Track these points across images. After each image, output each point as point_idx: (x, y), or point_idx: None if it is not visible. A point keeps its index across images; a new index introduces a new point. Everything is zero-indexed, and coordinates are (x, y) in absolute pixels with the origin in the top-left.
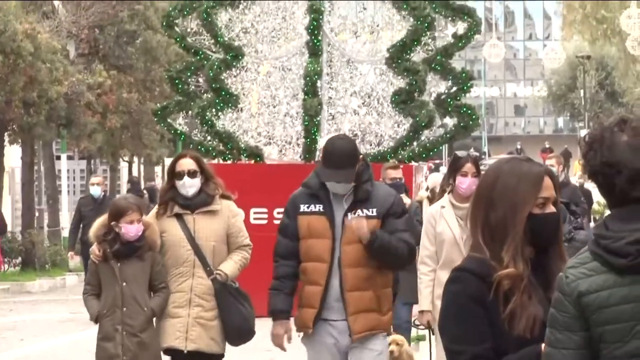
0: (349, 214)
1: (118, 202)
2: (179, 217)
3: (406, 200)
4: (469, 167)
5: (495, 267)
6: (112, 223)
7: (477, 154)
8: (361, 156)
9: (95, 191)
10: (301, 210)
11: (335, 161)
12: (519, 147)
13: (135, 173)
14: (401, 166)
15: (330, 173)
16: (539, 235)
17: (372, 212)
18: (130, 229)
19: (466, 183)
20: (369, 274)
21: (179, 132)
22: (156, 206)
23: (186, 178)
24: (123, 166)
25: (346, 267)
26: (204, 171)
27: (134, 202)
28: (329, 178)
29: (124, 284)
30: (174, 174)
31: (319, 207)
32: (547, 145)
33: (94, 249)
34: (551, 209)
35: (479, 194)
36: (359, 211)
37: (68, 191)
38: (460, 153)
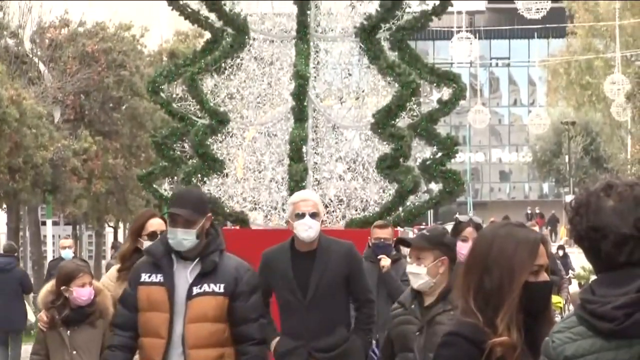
0: (194, 287)
1: (67, 266)
2: None
3: (385, 262)
4: (469, 231)
5: (488, 334)
6: (62, 288)
7: (480, 220)
8: (211, 217)
9: (67, 254)
10: (142, 280)
11: (178, 201)
12: (529, 211)
13: (120, 239)
14: (390, 226)
15: (171, 216)
16: (533, 302)
17: (219, 289)
18: (82, 293)
19: (466, 249)
20: (218, 356)
21: (164, 197)
22: (114, 268)
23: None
24: (108, 231)
25: (191, 347)
26: None
27: (84, 265)
28: (171, 224)
29: (74, 352)
30: (141, 234)
31: (159, 278)
32: (529, 211)
33: (42, 316)
34: (544, 277)
35: (472, 258)
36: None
37: (53, 257)
38: (462, 217)
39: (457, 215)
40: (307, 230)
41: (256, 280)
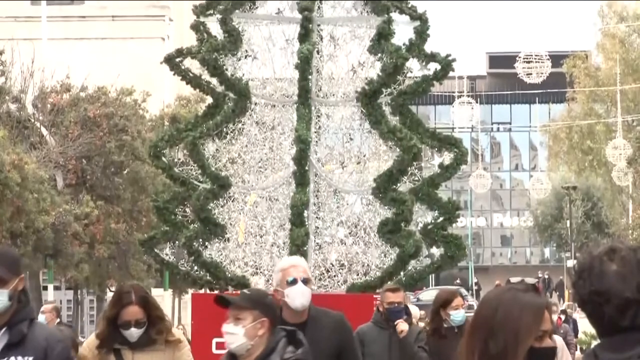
0: None
1: None
2: (116, 352)
3: (404, 327)
4: None
5: None
6: None
7: (535, 281)
8: (23, 278)
9: (42, 318)
10: None
11: None
12: (540, 275)
13: None
14: (402, 289)
15: None
16: None
17: None
18: None
19: None
20: None
21: (165, 262)
22: (93, 334)
23: (133, 329)
24: (110, 296)
25: None
26: (150, 316)
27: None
28: None
29: None
30: (117, 321)
31: None
32: (541, 276)
33: None
34: (549, 342)
35: (477, 323)
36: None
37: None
38: (514, 279)
39: (509, 278)
40: (300, 297)
41: (68, 353)
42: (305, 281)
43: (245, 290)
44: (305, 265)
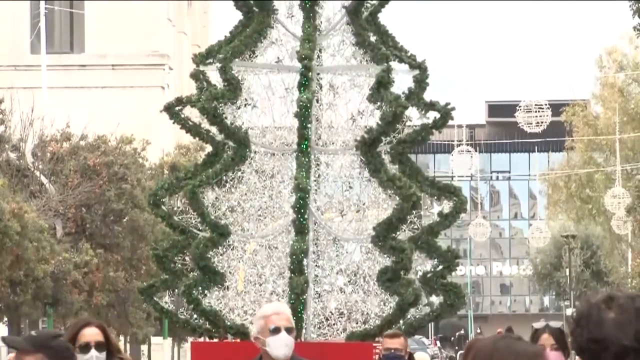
0: None
1: None
2: None
3: None
4: (545, 338)
5: None
6: None
7: (560, 324)
8: None
9: None
10: None
11: None
12: (544, 323)
13: None
14: (402, 335)
15: None
16: None
17: None
18: None
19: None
20: None
21: (165, 310)
22: None
23: (93, 351)
24: None
25: None
26: (110, 343)
27: None
28: None
29: None
30: (74, 346)
31: None
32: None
33: None
34: None
35: None
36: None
37: None
38: (537, 324)
39: (533, 324)
40: (283, 347)
41: None
42: (289, 330)
43: (32, 332)
44: (289, 313)
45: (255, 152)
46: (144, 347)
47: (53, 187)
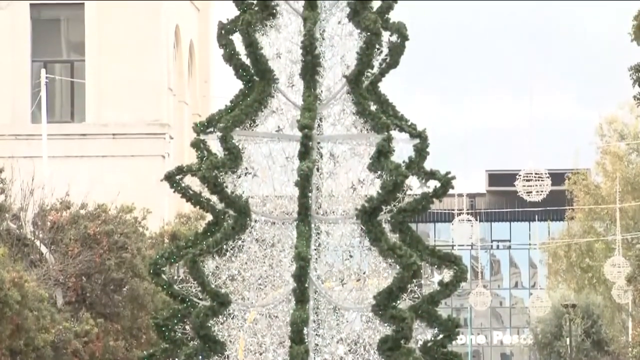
0: None
1: None
2: None
3: None
4: None
5: None
6: None
7: None
8: None
9: None
10: None
11: None
12: None
13: None
14: None
15: None
16: None
17: None
18: None
19: None
20: None
21: None
22: None
23: None
24: None
25: None
26: None
27: None
28: None
29: None
30: None
31: None
32: None
33: None
34: None
35: None
36: None
37: None
38: None
39: None
40: None
41: None
42: None
43: None
44: None
45: (255, 220)
46: None
47: (53, 256)
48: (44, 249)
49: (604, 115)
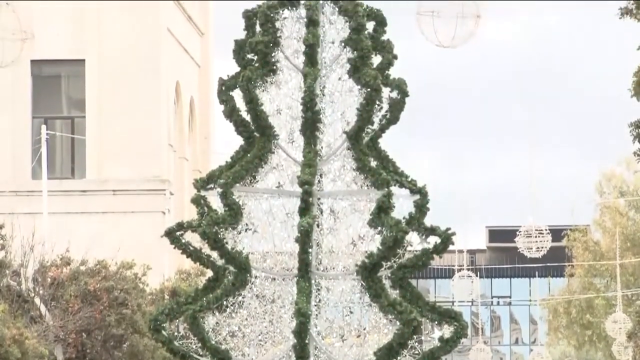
0: None
1: None
2: None
3: None
4: None
5: None
6: None
7: None
8: None
9: None
10: None
11: None
12: None
13: None
14: None
15: None
16: None
17: None
18: None
19: None
20: None
21: None
22: None
23: None
24: None
25: None
26: None
27: None
28: None
29: None
30: None
31: None
32: None
33: None
34: None
35: None
36: None
37: None
38: None
39: None
40: None
41: None
42: None
43: None
44: None
45: (255, 277)
46: None
47: (53, 312)
48: (42, 309)
49: (603, 171)
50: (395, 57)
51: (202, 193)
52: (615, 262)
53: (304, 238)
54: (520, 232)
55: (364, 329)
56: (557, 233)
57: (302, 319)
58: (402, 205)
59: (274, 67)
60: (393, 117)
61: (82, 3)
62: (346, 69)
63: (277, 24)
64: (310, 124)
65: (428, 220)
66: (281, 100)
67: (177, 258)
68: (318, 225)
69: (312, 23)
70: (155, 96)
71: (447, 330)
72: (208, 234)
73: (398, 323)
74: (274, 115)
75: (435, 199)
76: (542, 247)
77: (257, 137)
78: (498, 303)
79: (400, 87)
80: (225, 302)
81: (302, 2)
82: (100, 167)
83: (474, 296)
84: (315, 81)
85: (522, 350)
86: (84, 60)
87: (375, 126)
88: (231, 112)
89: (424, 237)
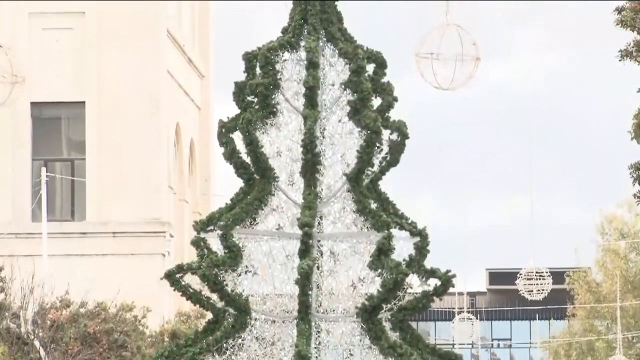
0: None
1: None
2: None
3: None
4: None
5: None
6: None
7: None
8: None
9: None
10: None
11: None
12: None
13: None
14: None
15: None
16: None
17: None
18: None
19: None
20: None
21: None
22: None
23: None
24: None
25: None
26: None
27: None
28: None
29: None
30: None
31: None
32: None
33: None
34: None
35: None
36: None
37: None
38: None
39: None
40: None
41: None
42: None
43: None
44: None
45: (255, 319)
46: None
47: (53, 354)
48: (41, 353)
49: (604, 213)
50: (396, 99)
51: (202, 235)
52: (616, 304)
53: (304, 280)
54: (520, 274)
55: None
56: (557, 275)
57: None
58: (403, 247)
59: (274, 109)
60: (393, 159)
61: (82, 44)
62: (346, 111)
63: (278, 66)
64: (311, 166)
65: (428, 263)
66: (281, 142)
67: (177, 300)
68: (318, 268)
69: (312, 65)
70: (156, 138)
71: None
72: (208, 276)
73: None
74: (274, 157)
75: (435, 240)
76: (543, 290)
77: (257, 179)
78: (498, 345)
79: (400, 129)
80: (225, 345)
81: (302, 44)
82: (100, 209)
83: (474, 339)
84: (316, 123)
85: None
86: (84, 102)
87: (376, 168)
88: (231, 154)
89: (424, 279)
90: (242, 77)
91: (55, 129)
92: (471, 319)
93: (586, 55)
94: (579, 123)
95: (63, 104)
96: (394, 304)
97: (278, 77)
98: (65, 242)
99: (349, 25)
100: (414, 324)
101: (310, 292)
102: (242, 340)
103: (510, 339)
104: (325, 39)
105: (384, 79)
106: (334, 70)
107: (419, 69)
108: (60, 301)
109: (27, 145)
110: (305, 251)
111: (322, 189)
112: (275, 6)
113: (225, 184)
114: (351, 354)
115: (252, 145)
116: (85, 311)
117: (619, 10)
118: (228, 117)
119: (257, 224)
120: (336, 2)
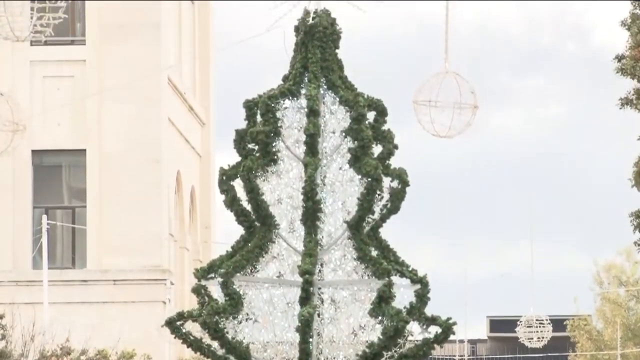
0: None
1: None
2: None
3: None
4: None
5: None
6: None
7: None
8: None
9: None
10: None
11: None
12: None
13: None
14: None
15: None
16: None
17: None
18: None
19: None
20: None
21: None
22: None
23: None
24: None
25: None
26: None
27: None
28: None
29: None
30: None
31: None
32: None
33: None
34: None
35: None
36: None
37: None
38: None
39: None
40: None
41: None
42: None
43: None
44: None
45: None
46: None
47: None
48: None
49: (601, 262)
50: (396, 146)
51: (203, 282)
52: (617, 352)
53: (305, 328)
54: (520, 322)
55: None
56: (558, 323)
57: None
58: (403, 294)
59: (275, 157)
60: (394, 206)
61: (83, 92)
62: (347, 158)
63: (278, 114)
64: (311, 213)
65: (429, 310)
66: (282, 189)
67: (178, 348)
68: (319, 315)
69: (312, 113)
70: (156, 186)
71: None
72: (209, 324)
73: None
74: (275, 204)
75: (436, 288)
76: (543, 337)
77: (258, 226)
78: None
79: (401, 176)
80: None
81: (302, 92)
82: (101, 256)
83: None
84: (316, 171)
85: None
86: (84, 150)
87: (376, 215)
88: (232, 202)
89: (424, 326)
90: (242, 124)
91: (56, 177)
92: None
93: (586, 103)
94: (579, 171)
95: (64, 151)
96: (395, 351)
97: (279, 124)
98: (66, 290)
99: (349, 73)
100: None
101: (311, 340)
102: None
103: None
104: (325, 87)
105: (385, 127)
106: (335, 118)
107: (416, 116)
108: (61, 349)
109: (28, 193)
110: (305, 299)
111: (322, 237)
112: (277, 54)
113: (226, 232)
114: None
115: (253, 192)
116: (86, 359)
117: (619, 58)
118: (229, 165)
119: (257, 271)
120: (337, 50)
